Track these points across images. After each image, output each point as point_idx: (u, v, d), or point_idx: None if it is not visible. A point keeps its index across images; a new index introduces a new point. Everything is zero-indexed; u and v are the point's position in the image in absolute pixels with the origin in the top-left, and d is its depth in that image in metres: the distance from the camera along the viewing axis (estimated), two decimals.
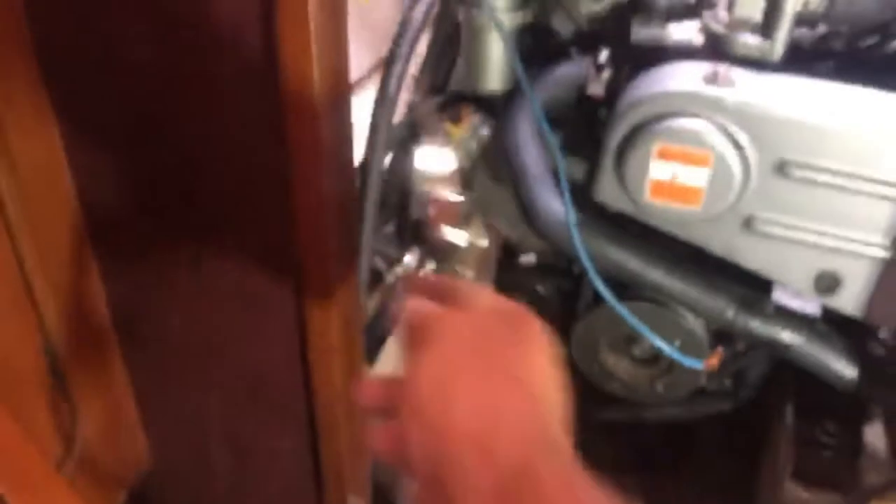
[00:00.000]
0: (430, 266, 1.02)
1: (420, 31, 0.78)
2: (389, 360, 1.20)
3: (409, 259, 0.99)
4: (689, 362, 0.90)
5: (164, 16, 0.58)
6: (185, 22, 0.57)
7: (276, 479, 0.85)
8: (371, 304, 1.37)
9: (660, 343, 0.89)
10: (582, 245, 0.89)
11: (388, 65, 0.78)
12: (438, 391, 0.39)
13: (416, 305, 0.45)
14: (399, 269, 0.99)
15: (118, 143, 0.67)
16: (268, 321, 0.71)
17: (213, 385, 0.80)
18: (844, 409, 1.11)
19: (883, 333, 1.10)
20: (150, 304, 0.75)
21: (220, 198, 0.66)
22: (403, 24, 0.78)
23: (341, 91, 0.62)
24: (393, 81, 0.78)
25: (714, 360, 0.92)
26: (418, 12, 0.78)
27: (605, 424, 1.32)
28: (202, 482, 0.88)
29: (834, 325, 0.96)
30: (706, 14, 0.86)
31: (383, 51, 0.85)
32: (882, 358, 0.97)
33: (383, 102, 0.79)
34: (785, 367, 1.08)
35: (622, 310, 0.88)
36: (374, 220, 0.82)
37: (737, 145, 0.80)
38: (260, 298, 0.69)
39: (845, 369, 0.91)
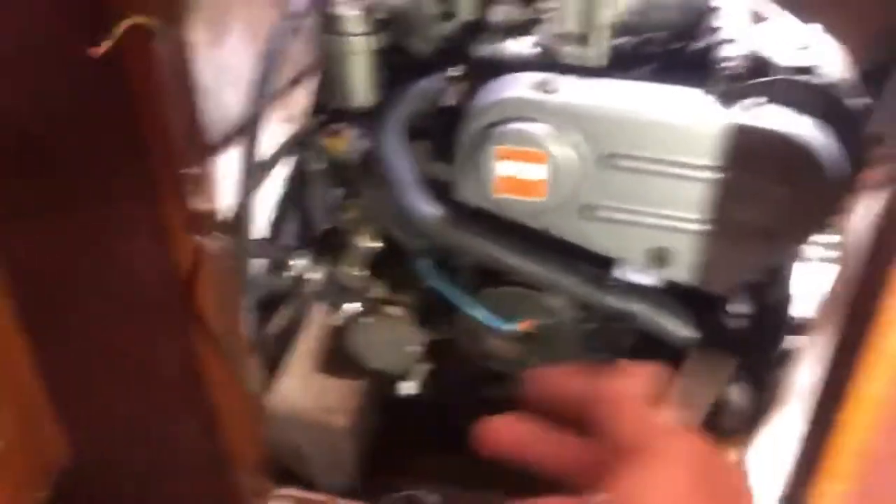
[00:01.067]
0: (322, 268, 1.12)
1: (277, 62, 0.89)
2: (296, 368, 1.30)
3: (300, 262, 1.09)
4: (504, 325, 1.06)
5: None
6: None
7: (180, 464, 0.94)
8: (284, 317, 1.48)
9: (474, 311, 1.06)
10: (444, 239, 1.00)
11: (251, 95, 0.89)
12: None
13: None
14: (291, 272, 1.09)
15: None
16: (159, 319, 0.81)
17: (122, 380, 0.89)
18: None
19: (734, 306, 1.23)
20: (54, 304, 0.84)
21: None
22: (265, 57, 0.89)
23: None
24: (256, 112, 0.88)
25: (526, 325, 1.04)
26: (277, 44, 0.89)
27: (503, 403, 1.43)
28: (118, 474, 0.97)
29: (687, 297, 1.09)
30: (538, 30, 0.98)
31: None
32: (722, 323, 1.10)
33: (249, 134, 0.89)
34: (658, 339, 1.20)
35: (441, 285, 1.03)
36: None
37: (567, 143, 0.92)
38: (148, 297, 0.79)
39: (682, 331, 1.04)
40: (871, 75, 0.97)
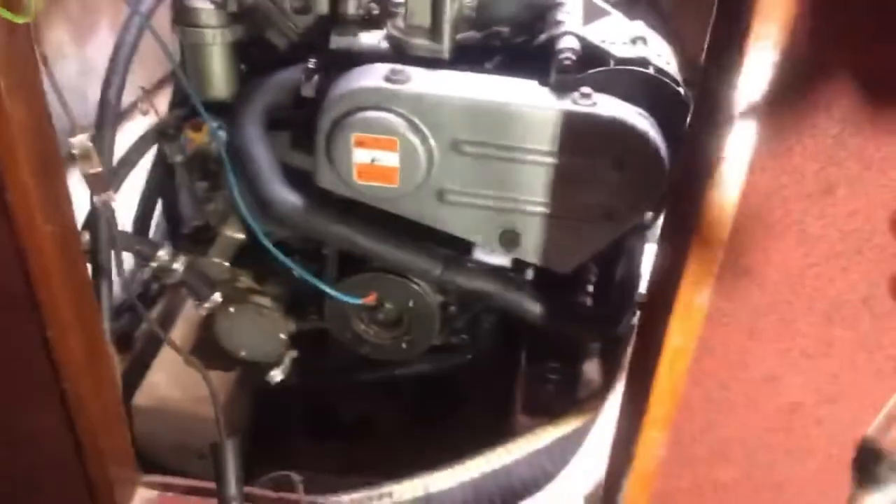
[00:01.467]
0: (187, 259, 1.13)
1: (130, 53, 0.90)
2: (166, 362, 1.31)
3: (163, 254, 1.09)
4: (347, 298, 1.10)
5: None
6: None
7: (42, 459, 0.94)
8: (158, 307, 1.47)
9: (308, 276, 1.08)
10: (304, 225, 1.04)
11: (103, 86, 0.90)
12: None
13: None
14: (155, 264, 1.09)
15: None
16: (8, 309, 0.81)
17: None
18: (567, 350, 1.32)
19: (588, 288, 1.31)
20: None
21: None
22: (115, 49, 0.90)
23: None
24: (109, 102, 0.90)
25: (371, 298, 1.09)
26: (129, 36, 0.90)
27: (389, 390, 1.48)
28: None
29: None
30: (389, 23, 1.03)
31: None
32: (572, 301, 1.18)
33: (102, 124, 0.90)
34: (515, 319, 1.27)
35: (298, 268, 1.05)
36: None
37: (417, 130, 0.97)
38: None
39: (536, 308, 1.10)
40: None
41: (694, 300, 0.70)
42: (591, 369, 1.33)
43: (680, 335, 0.72)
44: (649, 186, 0.98)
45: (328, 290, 1.09)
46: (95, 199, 0.80)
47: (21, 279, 0.78)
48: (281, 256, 1.03)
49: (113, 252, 0.94)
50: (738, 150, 0.62)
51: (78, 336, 0.83)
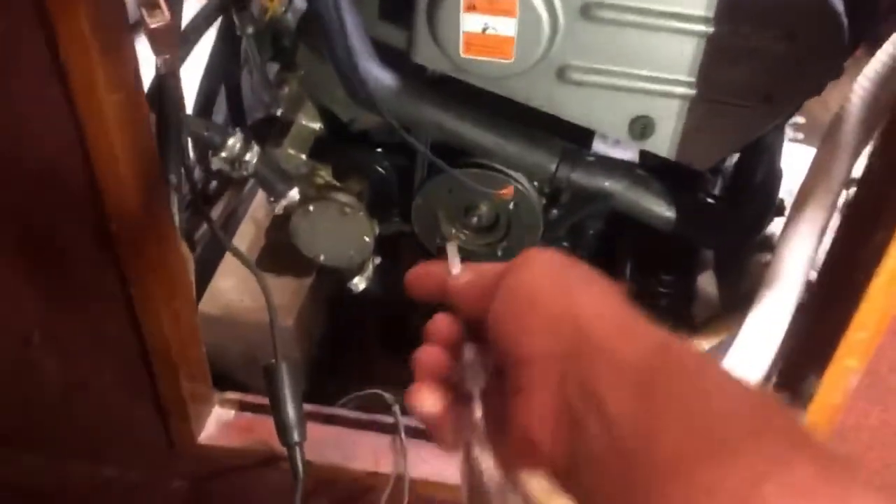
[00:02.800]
0: (260, 150, 0.99)
1: None
2: (234, 266, 1.18)
3: (234, 142, 0.95)
4: (481, 188, 0.93)
5: None
6: None
7: (104, 373, 0.82)
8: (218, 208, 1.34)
9: (439, 162, 0.92)
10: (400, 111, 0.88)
11: None
12: (559, 283, 0.38)
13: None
14: (224, 154, 0.95)
15: None
16: (65, 197, 0.68)
17: (24, 277, 0.76)
18: (679, 260, 1.17)
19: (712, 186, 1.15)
20: None
21: None
22: None
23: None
24: None
25: (507, 191, 0.93)
26: None
27: None
28: (30, 387, 0.85)
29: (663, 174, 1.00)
30: None
31: None
32: (707, 203, 1.02)
33: None
34: (622, 225, 1.12)
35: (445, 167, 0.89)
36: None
37: None
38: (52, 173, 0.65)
39: (664, 211, 0.95)
40: None
41: None
42: (706, 283, 1.18)
43: None
44: (822, 62, 0.81)
45: (458, 175, 0.92)
46: (159, 61, 0.65)
47: (80, 160, 0.64)
48: (417, 143, 0.87)
49: (176, 128, 0.79)
50: None
51: (146, 230, 0.69)
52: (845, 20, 0.78)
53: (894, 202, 0.56)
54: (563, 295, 0.37)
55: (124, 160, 0.63)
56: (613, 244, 1.17)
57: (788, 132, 1.30)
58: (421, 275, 0.46)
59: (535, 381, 0.36)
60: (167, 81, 0.70)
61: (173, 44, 0.65)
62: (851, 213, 0.63)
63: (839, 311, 0.63)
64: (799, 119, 1.37)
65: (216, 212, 1.34)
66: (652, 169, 1.00)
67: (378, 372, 1.33)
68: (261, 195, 1.26)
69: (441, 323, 0.44)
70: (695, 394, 0.32)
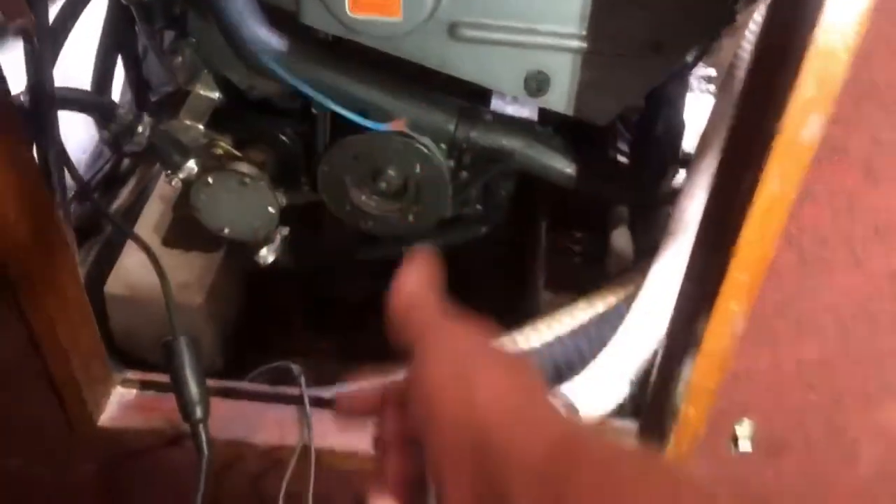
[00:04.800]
0: (155, 121, 0.96)
1: None
2: (134, 250, 1.15)
3: (124, 112, 0.92)
4: (372, 125, 0.90)
5: None
6: None
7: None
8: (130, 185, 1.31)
9: (343, 111, 0.89)
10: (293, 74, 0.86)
11: None
12: (459, 373, 0.37)
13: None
14: (114, 127, 0.92)
15: None
16: None
17: None
18: (592, 218, 1.17)
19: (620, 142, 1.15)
20: None
21: None
22: None
23: None
24: None
25: (398, 124, 0.91)
26: None
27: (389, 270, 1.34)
28: None
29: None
30: None
31: None
32: (608, 158, 1.02)
33: None
34: (535, 186, 1.11)
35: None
36: None
37: None
38: None
39: (565, 168, 0.94)
40: None
41: (801, 131, 0.54)
42: (621, 239, 1.18)
43: (779, 179, 0.56)
44: (710, 7, 0.80)
45: (360, 119, 0.89)
46: (11, 27, 0.62)
47: None
48: (313, 92, 0.84)
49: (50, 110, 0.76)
50: None
51: (23, 216, 0.66)
52: None
53: (761, 145, 0.55)
54: (463, 386, 0.37)
55: None
56: (527, 204, 1.17)
57: (698, 85, 1.31)
58: (350, 400, 0.46)
59: (448, 480, 0.35)
60: (30, 47, 0.67)
61: (19, 5, 0.61)
62: (724, 157, 0.63)
63: (720, 255, 0.63)
64: (710, 71, 1.38)
65: (126, 189, 1.31)
66: (558, 127, 0.99)
67: (299, 344, 1.31)
68: None
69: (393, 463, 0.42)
70: (604, 490, 0.31)
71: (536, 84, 0.87)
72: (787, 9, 0.53)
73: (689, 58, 0.94)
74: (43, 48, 0.69)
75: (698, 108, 1.19)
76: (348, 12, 0.82)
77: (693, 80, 1.31)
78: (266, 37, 0.89)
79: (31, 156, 0.69)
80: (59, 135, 0.77)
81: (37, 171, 0.70)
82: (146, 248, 0.82)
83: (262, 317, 1.27)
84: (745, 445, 0.77)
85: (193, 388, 0.77)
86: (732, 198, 0.60)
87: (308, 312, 1.36)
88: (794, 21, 0.51)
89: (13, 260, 0.70)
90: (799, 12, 0.50)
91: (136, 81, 1.12)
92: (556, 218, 1.16)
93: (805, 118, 0.53)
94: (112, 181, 1.30)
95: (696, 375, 0.71)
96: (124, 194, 1.28)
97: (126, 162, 1.32)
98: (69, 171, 0.83)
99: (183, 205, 1.14)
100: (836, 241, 0.61)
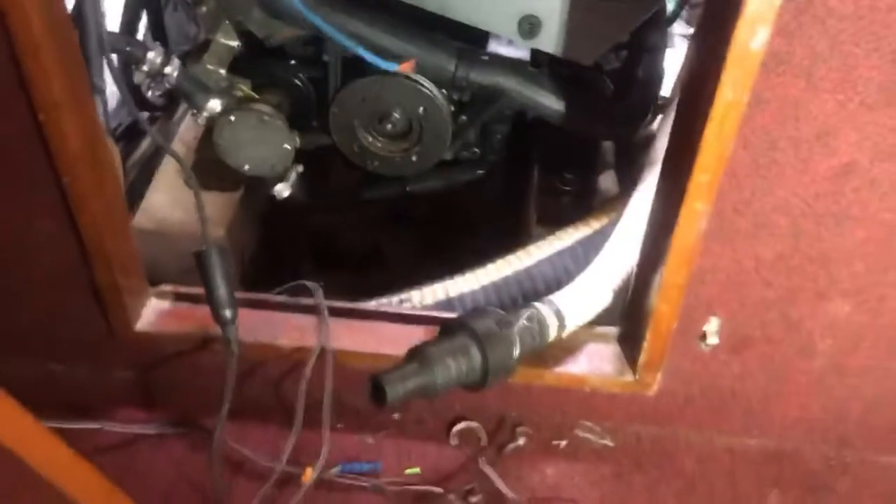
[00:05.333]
0: (180, 64, 1.05)
1: None
2: (165, 182, 1.25)
3: (154, 55, 1.01)
4: (385, 65, 1.00)
5: None
6: None
7: (43, 267, 0.89)
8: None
9: (358, 50, 0.98)
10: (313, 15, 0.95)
11: None
12: None
13: None
14: (146, 68, 1.02)
15: None
16: None
17: None
18: (581, 159, 1.27)
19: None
20: None
21: None
22: None
23: None
24: None
25: (407, 66, 1.01)
26: None
27: (397, 218, 1.44)
28: None
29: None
30: None
31: None
32: (594, 98, 1.12)
33: None
34: (528, 129, 1.21)
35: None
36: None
37: None
38: None
39: (555, 104, 1.04)
40: None
41: (750, 42, 0.64)
42: (607, 181, 1.29)
43: (732, 86, 0.66)
44: None
45: (374, 58, 0.98)
46: None
47: (8, 57, 0.70)
48: (327, 27, 0.93)
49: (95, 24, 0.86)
50: None
51: (73, 120, 0.76)
52: None
53: (717, 57, 0.65)
54: None
55: (46, 50, 0.70)
56: (521, 147, 1.27)
57: (680, 43, 1.41)
58: None
59: None
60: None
61: None
62: (686, 74, 0.73)
63: (685, 159, 0.73)
64: (692, 30, 1.47)
65: (146, 142, 1.40)
66: (552, 69, 1.09)
67: (309, 281, 1.41)
68: (188, 120, 1.32)
69: None
70: None
71: (529, 27, 0.97)
72: None
73: (671, 6, 1.04)
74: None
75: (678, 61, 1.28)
76: None
77: (676, 38, 1.40)
78: None
79: (81, 60, 0.78)
80: (104, 37, 0.86)
81: (86, 76, 0.79)
82: (181, 162, 0.90)
83: (273, 258, 1.37)
84: (711, 340, 0.87)
85: (223, 292, 0.86)
86: (695, 109, 0.70)
87: (315, 256, 1.46)
88: None
89: (70, 174, 0.79)
90: None
91: (158, 31, 1.21)
92: (547, 160, 1.26)
93: (753, 30, 0.63)
94: (133, 133, 1.40)
95: (668, 272, 0.80)
96: (145, 143, 1.38)
97: (145, 115, 1.42)
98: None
99: (204, 147, 1.24)
100: (785, 143, 0.71)
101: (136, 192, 1.26)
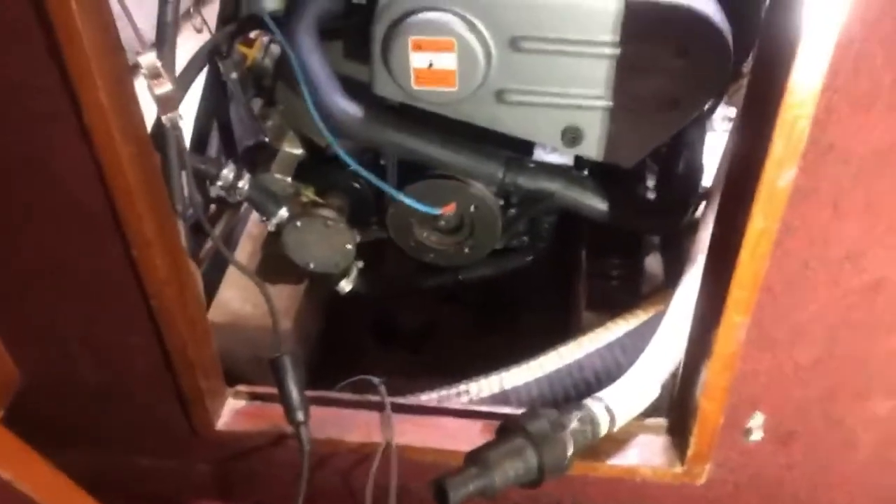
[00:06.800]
0: (250, 177, 1.15)
1: None
2: (236, 278, 1.33)
3: (228, 172, 1.11)
4: (425, 208, 1.08)
5: None
6: None
7: (134, 374, 0.98)
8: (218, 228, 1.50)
9: (401, 197, 1.07)
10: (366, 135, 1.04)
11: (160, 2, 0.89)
12: None
13: None
14: (220, 183, 1.11)
15: None
16: (93, 231, 0.83)
17: (62, 297, 0.91)
18: (627, 245, 1.33)
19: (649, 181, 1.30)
20: None
21: None
22: None
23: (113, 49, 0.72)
24: (167, 18, 0.89)
25: (450, 208, 1.09)
26: None
27: (453, 298, 1.51)
28: (71, 390, 1.00)
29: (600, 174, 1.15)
30: None
31: None
32: (635, 195, 1.17)
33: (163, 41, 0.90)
34: (575, 217, 1.27)
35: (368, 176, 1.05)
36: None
37: (474, 29, 0.95)
38: (77, 205, 0.81)
39: (598, 204, 1.10)
40: None
41: (777, 181, 0.69)
42: (653, 263, 1.34)
43: (763, 217, 0.72)
44: (714, 71, 0.96)
45: (408, 199, 1.07)
46: (164, 118, 0.81)
47: (104, 201, 0.80)
48: (356, 165, 1.03)
49: (184, 172, 0.95)
50: (825, 22, 0.60)
51: (161, 253, 0.85)
52: (729, 34, 0.94)
53: (749, 192, 0.71)
54: None
55: (140, 198, 0.79)
56: (569, 234, 1.33)
57: (720, 124, 1.46)
58: None
59: None
60: (170, 132, 0.86)
61: (175, 105, 0.80)
62: (721, 203, 0.79)
63: (723, 276, 0.78)
64: (731, 111, 1.52)
65: (217, 231, 1.50)
66: (592, 169, 1.15)
67: (370, 361, 1.49)
68: (255, 214, 1.41)
69: None
70: None
71: (571, 137, 1.03)
72: (760, 85, 0.69)
73: (706, 108, 1.10)
74: (178, 130, 0.88)
75: (719, 145, 1.33)
76: (413, 85, 1.00)
77: (716, 120, 1.45)
78: (342, 104, 1.07)
79: (169, 205, 0.88)
80: (192, 187, 0.96)
81: (173, 217, 0.88)
82: (255, 280, 0.99)
83: (336, 339, 1.45)
84: (756, 435, 0.91)
85: (296, 396, 0.94)
86: (729, 233, 0.76)
87: (375, 336, 1.53)
88: (768, 93, 0.67)
89: (157, 298, 0.88)
90: (770, 90, 0.66)
91: (228, 141, 1.31)
92: (594, 246, 1.32)
93: (779, 172, 0.69)
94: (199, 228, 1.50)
95: (711, 375, 0.85)
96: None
97: (213, 207, 1.52)
98: (195, 213, 1.02)
99: (271, 243, 1.33)
100: (816, 263, 0.76)
101: (209, 283, 1.36)
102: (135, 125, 0.78)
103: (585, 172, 1.14)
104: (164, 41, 0.95)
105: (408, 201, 1.07)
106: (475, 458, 0.84)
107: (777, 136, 0.67)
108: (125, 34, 0.82)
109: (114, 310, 0.92)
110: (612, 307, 1.24)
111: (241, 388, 1.06)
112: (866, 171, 0.69)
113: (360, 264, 1.25)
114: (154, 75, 0.75)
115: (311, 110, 1.00)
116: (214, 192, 1.14)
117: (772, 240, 0.74)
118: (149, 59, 0.74)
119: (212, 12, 1.22)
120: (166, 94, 0.75)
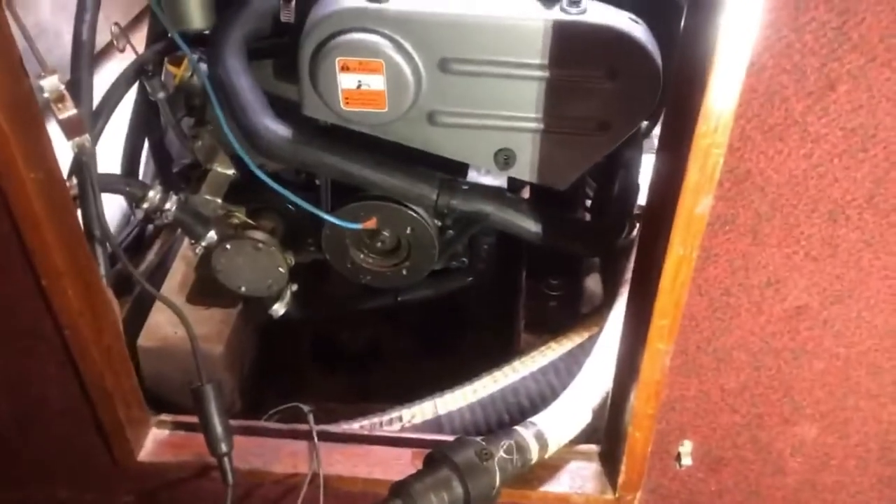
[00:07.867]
0: (179, 199, 1.12)
1: None
2: (163, 308, 1.30)
3: (154, 193, 1.08)
4: (347, 224, 1.08)
5: None
6: None
7: (50, 405, 0.94)
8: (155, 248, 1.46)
9: (325, 214, 1.07)
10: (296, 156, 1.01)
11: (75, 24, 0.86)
12: None
13: None
14: (146, 205, 1.08)
15: None
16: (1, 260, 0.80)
17: None
18: (568, 266, 1.32)
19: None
20: None
21: None
22: None
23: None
24: (82, 40, 0.86)
25: (371, 223, 1.07)
26: None
27: (393, 319, 1.49)
28: None
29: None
30: None
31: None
32: (569, 217, 1.17)
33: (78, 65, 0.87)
34: (515, 239, 1.26)
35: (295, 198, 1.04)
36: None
37: (403, 51, 0.94)
38: None
39: (532, 227, 1.09)
40: None
41: (695, 209, 0.69)
42: (593, 283, 1.33)
43: (682, 245, 0.71)
44: (644, 94, 0.96)
45: (329, 217, 1.06)
46: (71, 143, 0.78)
47: (10, 229, 0.76)
48: (278, 187, 1.01)
49: (93, 196, 0.92)
50: (735, 51, 0.60)
51: (73, 283, 0.82)
52: (658, 56, 0.93)
53: (667, 220, 0.70)
54: None
55: (47, 227, 0.76)
56: (509, 255, 1.32)
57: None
58: None
59: None
60: (78, 157, 0.83)
61: (82, 129, 0.77)
62: (642, 230, 0.78)
63: (646, 303, 0.77)
64: None
65: (153, 251, 1.46)
66: (533, 190, 1.14)
67: (310, 386, 1.46)
68: None
69: None
70: None
71: (504, 159, 1.02)
72: (675, 113, 0.69)
73: (642, 129, 1.09)
74: (91, 155, 0.85)
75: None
76: (342, 107, 0.98)
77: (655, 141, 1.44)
78: (270, 125, 1.04)
79: (81, 233, 0.85)
80: (102, 215, 0.93)
81: (85, 245, 0.85)
82: (176, 310, 0.96)
83: (274, 362, 1.42)
84: (686, 461, 0.90)
85: (218, 427, 0.91)
86: (650, 261, 0.75)
87: (315, 358, 1.50)
88: (682, 121, 0.66)
89: (68, 322, 0.85)
90: (684, 118, 0.65)
91: (161, 162, 1.28)
92: (535, 266, 1.31)
93: (697, 199, 0.68)
94: (139, 245, 1.46)
95: (638, 403, 0.85)
96: (150, 257, 1.44)
97: (150, 227, 1.48)
98: (109, 243, 0.98)
99: (203, 266, 1.29)
100: (738, 290, 0.76)
101: (144, 303, 1.32)
102: (40, 151, 0.75)
103: (525, 193, 1.13)
104: (78, 63, 0.92)
105: (329, 218, 1.04)
106: (399, 489, 0.82)
107: (692, 164, 0.66)
108: (58, 54, 0.80)
109: (25, 340, 0.88)
110: (551, 328, 1.23)
111: (165, 416, 1.03)
112: (783, 199, 0.69)
113: (294, 287, 1.23)
114: (57, 98, 0.72)
115: (225, 130, 0.97)
116: (139, 214, 1.11)
117: (692, 267, 0.73)
118: (51, 82, 0.71)
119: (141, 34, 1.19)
120: (70, 119, 0.72)
